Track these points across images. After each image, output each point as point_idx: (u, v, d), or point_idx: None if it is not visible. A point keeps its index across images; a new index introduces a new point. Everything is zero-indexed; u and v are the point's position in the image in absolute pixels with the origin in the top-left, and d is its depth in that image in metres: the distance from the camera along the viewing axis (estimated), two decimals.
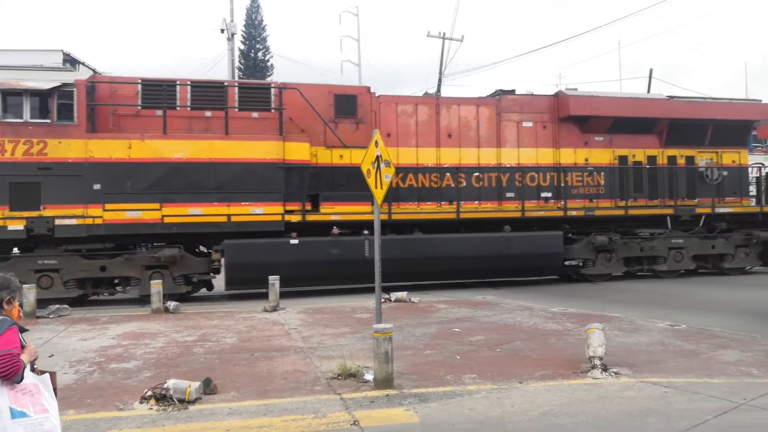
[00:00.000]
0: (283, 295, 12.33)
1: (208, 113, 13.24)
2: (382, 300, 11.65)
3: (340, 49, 36.41)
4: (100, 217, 12.20)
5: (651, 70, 22.45)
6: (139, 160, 12.39)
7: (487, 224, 14.76)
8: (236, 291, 13.95)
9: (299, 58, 74.57)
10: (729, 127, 16.60)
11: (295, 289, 13.86)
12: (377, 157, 6.60)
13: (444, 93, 25.29)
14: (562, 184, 15.36)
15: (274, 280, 11.44)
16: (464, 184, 14.84)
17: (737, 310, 10.58)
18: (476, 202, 14.93)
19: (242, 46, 45.02)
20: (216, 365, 6.95)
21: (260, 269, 12.44)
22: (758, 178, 17.70)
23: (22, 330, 3.10)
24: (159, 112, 12.74)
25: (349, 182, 13.49)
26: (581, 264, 15.62)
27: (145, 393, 5.48)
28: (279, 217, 13.10)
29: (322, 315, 10.60)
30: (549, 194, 15.44)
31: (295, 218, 13.23)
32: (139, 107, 12.97)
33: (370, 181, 6.62)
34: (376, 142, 6.62)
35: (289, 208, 13.24)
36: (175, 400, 5.34)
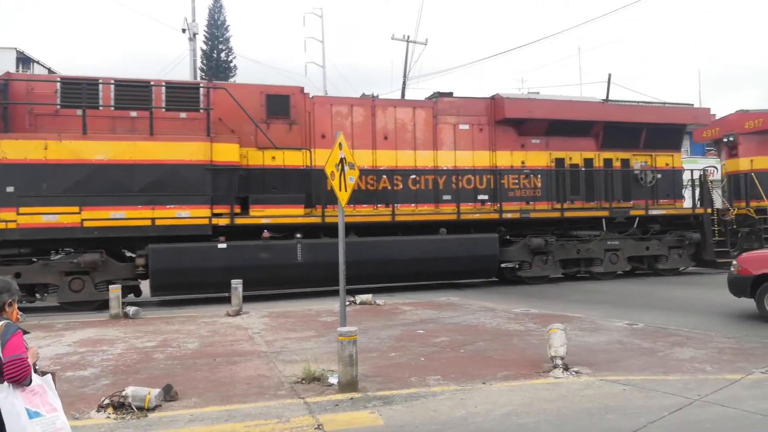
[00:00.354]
0: (248, 299, 12.20)
1: (134, 113, 12.84)
2: (347, 303, 11.66)
3: (304, 50, 36.23)
4: (14, 221, 11.68)
5: (609, 75, 22.72)
6: (57, 162, 11.90)
7: (424, 227, 14.76)
8: (194, 296, 13.72)
9: (263, 60, 73.84)
10: (662, 131, 16.99)
11: (259, 293, 13.71)
12: (341, 160, 6.58)
13: (408, 95, 25.42)
14: (499, 187, 15.39)
15: (237, 284, 11.27)
16: (401, 186, 14.80)
17: (692, 308, 10.90)
18: (413, 204, 14.87)
19: (204, 47, 44.39)
20: (177, 371, 6.81)
21: (187, 275, 12.28)
22: (692, 181, 17.94)
23: (25, 333, 3.14)
24: (79, 112, 12.32)
25: (281, 184, 13.39)
26: (517, 266, 15.67)
27: (103, 401, 5.33)
28: (206, 221, 12.78)
29: (286, 319, 10.51)
30: (485, 197, 15.51)
31: (223, 222, 12.92)
32: (58, 107, 12.52)
33: (334, 184, 6.59)
34: (340, 144, 6.60)
35: (216, 211, 12.91)
36: (134, 407, 5.21)
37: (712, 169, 21.63)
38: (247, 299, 11.97)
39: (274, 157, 13.60)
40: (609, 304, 11.74)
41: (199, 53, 35.95)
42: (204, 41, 44.19)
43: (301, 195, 13.61)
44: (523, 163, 15.91)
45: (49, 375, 3.17)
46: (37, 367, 3.13)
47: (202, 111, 13.23)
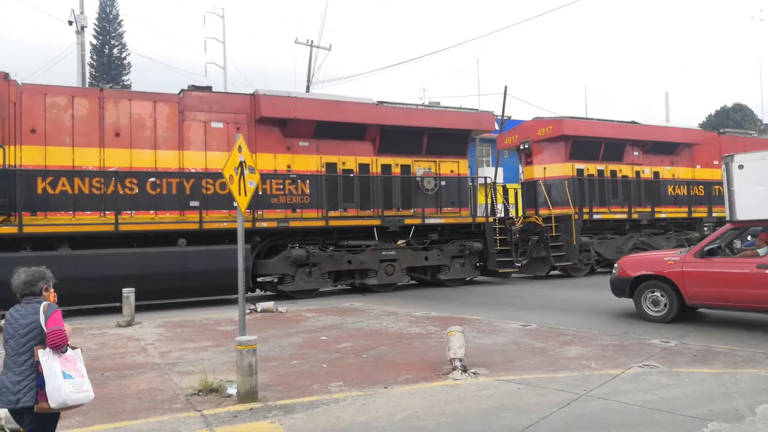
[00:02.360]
0: (142, 309, 11.56)
1: None
2: (248, 311, 11.42)
3: (204, 50, 34.95)
4: None
5: (506, 87, 24.00)
6: None
7: (163, 237, 12.94)
8: (89, 306, 12.79)
9: (161, 58, 70.67)
10: (445, 136, 16.14)
11: (156, 302, 12.99)
12: (241, 163, 6.40)
13: None
14: (259, 193, 13.43)
15: (128, 292, 10.61)
16: (136, 191, 12.74)
17: (579, 309, 11.60)
18: (152, 211, 12.88)
19: (95, 41, 41.82)
20: None
21: None
22: (473, 189, 17.52)
23: None
24: None
25: None
26: (276, 280, 14.45)
27: None
28: None
29: (182, 329, 10.05)
30: None
31: None
32: None
33: (233, 188, 6.38)
34: (240, 147, 6.42)
35: None
36: (7, 430, 4.76)
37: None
38: (141, 308, 11.33)
39: None
40: (505, 306, 12.23)
41: (88, 48, 33.81)
42: (94, 35, 41.65)
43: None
44: (288, 167, 14.43)
45: (79, 349, 3.88)
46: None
47: None
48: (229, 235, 12.94)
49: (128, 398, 5.90)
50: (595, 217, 18.45)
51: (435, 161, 16.30)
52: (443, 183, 16.19)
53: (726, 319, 10.01)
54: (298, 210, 14.35)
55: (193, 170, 13.47)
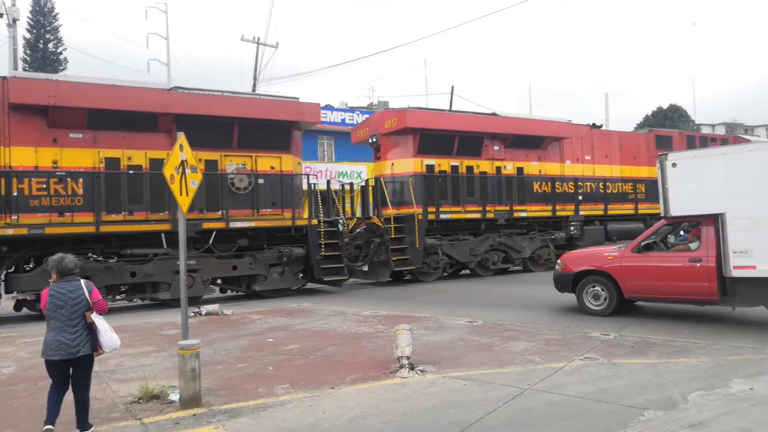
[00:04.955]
0: None
1: None
2: (192, 314, 11.15)
3: (147, 46, 33.86)
4: None
5: (453, 87, 24.42)
6: None
7: None
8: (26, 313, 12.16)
9: (100, 54, 68.04)
10: (262, 127, 14.19)
11: None
12: (182, 162, 6.21)
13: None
14: (15, 194, 11.67)
15: None
16: None
17: (524, 304, 11.84)
18: None
19: (28, 35, 39.91)
20: None
21: None
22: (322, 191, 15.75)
23: None
24: None
25: None
26: (28, 299, 11.97)
27: None
28: None
29: (122, 334, 9.51)
30: None
31: None
32: None
33: (174, 188, 6.19)
34: (181, 145, 6.23)
35: None
36: None
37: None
38: None
39: None
40: (453, 303, 12.36)
41: (21, 42, 32.26)
42: (28, 29, 39.76)
43: None
44: (55, 163, 12.28)
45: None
46: None
47: None
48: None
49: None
50: (443, 217, 16.66)
51: (251, 156, 14.24)
52: (261, 181, 14.18)
53: (661, 311, 10.42)
54: (67, 213, 12.18)
55: None
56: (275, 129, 14.43)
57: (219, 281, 14.44)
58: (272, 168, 14.50)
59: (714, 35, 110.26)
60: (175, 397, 5.72)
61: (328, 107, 32.75)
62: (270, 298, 14.22)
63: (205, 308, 11.55)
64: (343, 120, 31.24)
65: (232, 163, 13.98)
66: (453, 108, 23.89)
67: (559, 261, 11.08)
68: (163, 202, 12.97)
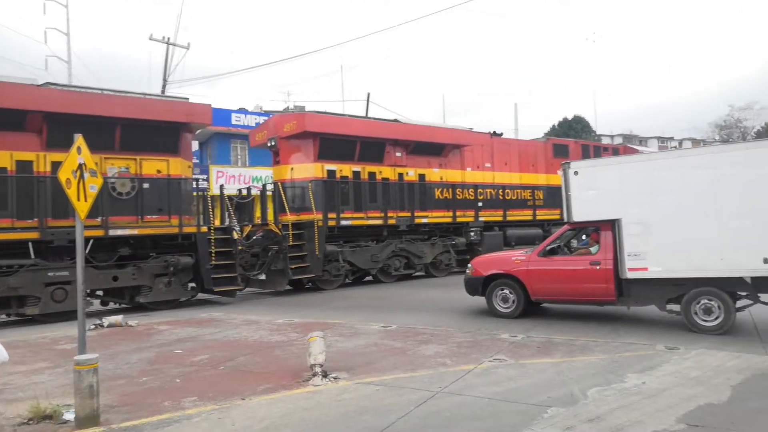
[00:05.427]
0: None
1: None
2: (93, 326, 10.53)
3: (45, 42, 31.64)
4: None
5: (369, 94, 24.62)
6: None
7: None
8: None
9: None
10: (147, 129, 13.16)
11: None
12: (80, 165, 5.84)
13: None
14: None
15: None
16: None
17: (437, 308, 12.05)
18: None
19: None
20: None
21: None
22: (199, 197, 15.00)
23: None
24: None
25: None
26: None
27: None
28: None
29: (13, 350, 8.88)
30: None
31: None
32: None
33: (71, 193, 5.80)
34: (79, 147, 5.86)
35: None
36: None
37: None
38: None
39: None
40: (368, 309, 12.38)
41: None
42: None
43: None
44: None
45: None
46: None
47: None
48: None
49: None
50: (344, 223, 16.39)
51: (135, 159, 13.21)
52: (146, 185, 13.26)
53: (565, 312, 10.95)
54: None
55: None
56: (162, 130, 13.51)
57: (99, 293, 13.38)
58: (159, 172, 13.52)
59: (615, 53, 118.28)
60: (70, 416, 5.35)
61: (242, 110, 32.12)
62: (180, 308, 13.66)
63: (107, 320, 10.91)
64: (257, 124, 30.68)
65: (113, 166, 12.95)
66: (369, 115, 24.06)
67: (469, 265, 11.38)
68: (32, 209, 11.85)
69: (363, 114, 23.83)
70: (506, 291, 10.51)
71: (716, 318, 8.55)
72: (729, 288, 8.61)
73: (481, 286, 10.86)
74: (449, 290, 14.82)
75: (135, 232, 12.92)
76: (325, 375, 6.53)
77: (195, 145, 25.46)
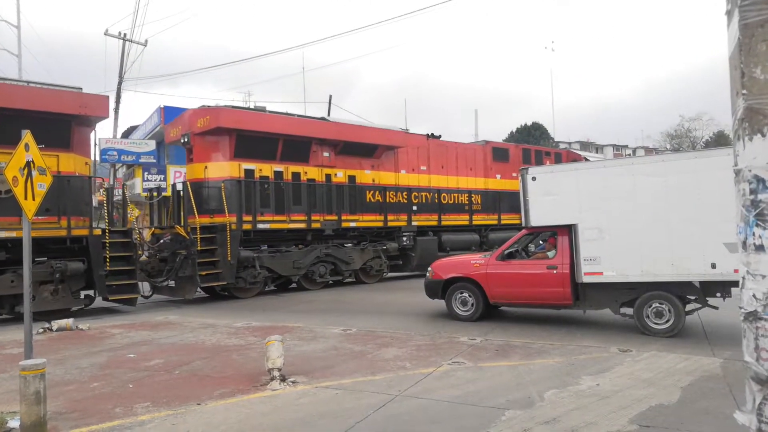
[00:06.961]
0: None
1: None
2: (41, 330, 10.17)
3: None
4: None
5: (330, 96, 24.50)
6: None
7: None
8: None
9: None
10: (31, 121, 11.27)
11: None
12: (28, 163, 5.62)
13: (125, 97, 23.35)
14: None
15: None
16: None
17: (397, 311, 12.08)
18: None
19: None
20: None
21: None
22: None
23: None
24: None
25: None
26: None
27: None
28: None
29: None
30: None
31: None
32: None
33: (18, 191, 5.59)
34: (27, 144, 5.64)
35: None
36: None
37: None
38: None
39: None
40: (328, 312, 12.31)
41: None
42: None
43: None
44: None
45: None
46: None
47: None
48: None
49: None
50: (260, 226, 15.41)
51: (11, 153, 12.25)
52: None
53: (523, 316, 11.11)
54: None
55: None
56: (51, 123, 12.08)
57: None
58: (47, 168, 12.46)
59: (571, 60, 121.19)
60: (15, 423, 5.14)
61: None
62: (135, 311, 13.30)
63: (56, 323, 10.53)
64: None
65: None
66: (330, 117, 23.94)
67: (429, 269, 11.44)
68: None
69: (327, 115, 23.70)
70: (465, 294, 10.61)
71: (667, 321, 8.82)
72: (679, 292, 8.90)
73: (440, 289, 10.93)
74: (410, 293, 14.86)
75: (13, 234, 11.50)
76: (283, 379, 6.45)
77: (152, 145, 24.79)
